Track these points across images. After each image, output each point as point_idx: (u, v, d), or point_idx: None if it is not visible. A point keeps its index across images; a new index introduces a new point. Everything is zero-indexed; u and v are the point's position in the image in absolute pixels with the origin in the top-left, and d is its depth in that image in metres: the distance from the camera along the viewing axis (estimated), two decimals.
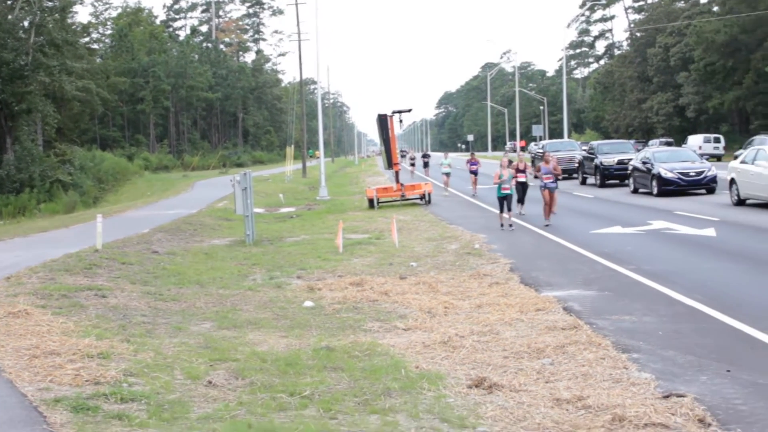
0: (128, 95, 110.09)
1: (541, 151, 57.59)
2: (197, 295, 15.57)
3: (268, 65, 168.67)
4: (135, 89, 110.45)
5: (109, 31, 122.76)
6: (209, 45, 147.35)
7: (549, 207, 26.14)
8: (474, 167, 42.74)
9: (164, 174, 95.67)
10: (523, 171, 29.59)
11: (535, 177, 27.38)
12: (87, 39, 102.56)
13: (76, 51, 73.76)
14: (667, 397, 8.54)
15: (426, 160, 65.46)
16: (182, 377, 9.75)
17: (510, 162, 27.12)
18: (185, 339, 11.84)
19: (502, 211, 25.55)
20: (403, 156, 63.45)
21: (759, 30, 76.09)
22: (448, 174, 46.09)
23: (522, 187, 29.29)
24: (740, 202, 28.68)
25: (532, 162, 62.60)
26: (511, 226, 25.15)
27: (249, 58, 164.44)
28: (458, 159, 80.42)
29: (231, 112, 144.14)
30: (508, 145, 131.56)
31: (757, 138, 47.63)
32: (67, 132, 79.24)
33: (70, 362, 10.03)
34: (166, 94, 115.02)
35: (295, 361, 10.32)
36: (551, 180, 26.21)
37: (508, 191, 25.31)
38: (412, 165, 70.35)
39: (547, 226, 25.09)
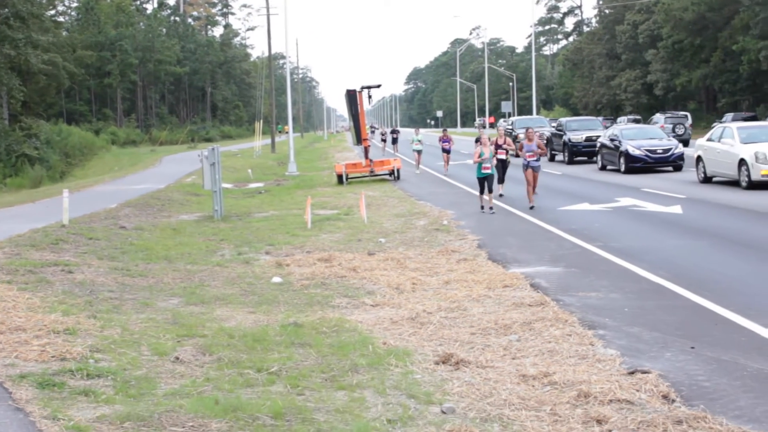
0: (95, 69, 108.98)
1: (510, 127, 57.45)
2: (165, 271, 15.50)
3: (236, 39, 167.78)
4: (102, 63, 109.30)
5: (75, 4, 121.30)
6: (177, 19, 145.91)
7: (533, 188, 24.38)
8: (446, 145, 41.08)
9: (132, 149, 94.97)
10: (503, 147, 26.99)
11: (517, 156, 25.25)
12: (53, 12, 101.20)
13: (42, 24, 72.80)
14: (632, 373, 8.62)
15: (395, 136, 62.71)
16: (149, 353, 9.71)
17: (489, 138, 25.18)
18: (152, 315, 11.79)
19: (482, 192, 23.72)
20: (372, 132, 62.58)
21: (726, 8, 76.47)
22: (419, 151, 43.45)
23: (502, 165, 27.06)
24: (706, 180, 28.90)
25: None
26: (491, 209, 23.34)
27: (217, 32, 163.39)
28: (429, 135, 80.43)
29: (199, 86, 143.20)
30: (477, 121, 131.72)
31: (716, 125, 47.84)
32: (33, 106, 78.37)
33: (36, 338, 9.96)
34: (133, 68, 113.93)
35: (262, 337, 10.31)
36: (534, 158, 24.34)
37: (489, 171, 23.42)
38: (383, 141, 68.56)
39: (531, 208, 23.32)
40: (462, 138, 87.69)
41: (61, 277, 14.37)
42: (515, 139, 49.04)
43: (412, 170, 42.38)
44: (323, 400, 8.05)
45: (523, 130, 29.59)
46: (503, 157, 26.84)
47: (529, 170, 24.25)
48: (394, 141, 61.72)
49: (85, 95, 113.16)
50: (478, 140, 31.44)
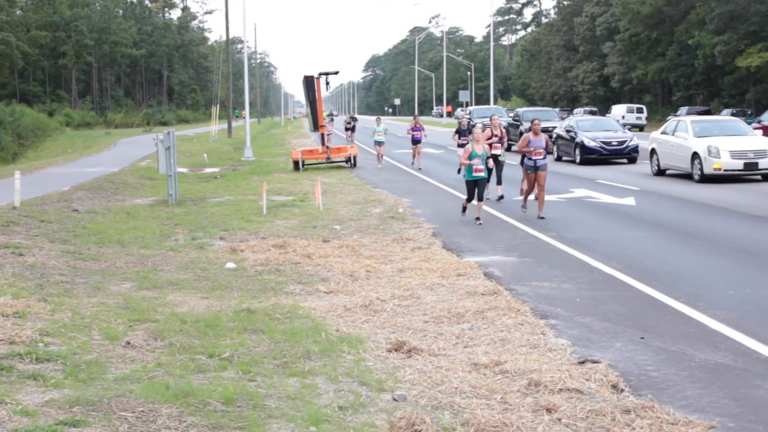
0: (49, 49, 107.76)
1: (468, 117, 57.09)
2: (118, 255, 15.38)
3: (194, 23, 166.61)
4: (56, 43, 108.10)
5: None
6: (134, 0, 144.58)
7: (540, 192, 19.83)
8: (417, 134, 35.94)
9: (86, 131, 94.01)
10: (500, 141, 23.03)
11: (522, 154, 20.33)
12: None
13: None
14: (582, 362, 8.70)
15: (353, 123, 61.67)
16: (100, 338, 9.64)
17: (483, 130, 21.07)
18: (104, 299, 11.69)
19: (470, 199, 19.42)
20: (332, 119, 61.29)
21: (683, 3, 77.14)
22: (381, 143, 38.18)
23: (496, 163, 22.29)
24: (660, 172, 29.20)
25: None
26: (478, 219, 19.08)
27: (175, 15, 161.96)
28: (393, 125, 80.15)
29: (156, 69, 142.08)
30: (435, 110, 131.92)
31: (671, 118, 48.33)
32: None
33: None
34: (88, 49, 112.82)
35: (215, 323, 10.27)
36: (542, 156, 19.87)
37: (481, 174, 19.04)
38: (348, 130, 61.50)
39: (541, 218, 19.16)
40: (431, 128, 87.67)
41: (11, 259, 14.19)
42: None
43: (371, 160, 40.38)
44: (275, 387, 8.04)
45: (484, 121, 28.46)
46: (498, 152, 22.73)
47: (536, 174, 19.81)
48: (352, 129, 60.32)
49: (39, 76, 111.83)
50: (459, 132, 29.34)
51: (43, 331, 9.61)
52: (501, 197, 23.25)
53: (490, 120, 23.59)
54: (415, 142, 35.96)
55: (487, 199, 22.14)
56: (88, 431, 6.73)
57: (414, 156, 36.38)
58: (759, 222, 18.38)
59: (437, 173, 32.23)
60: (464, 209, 19.95)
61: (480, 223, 18.82)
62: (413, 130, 36.13)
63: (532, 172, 19.82)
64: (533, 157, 19.76)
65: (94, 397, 7.43)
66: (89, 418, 6.99)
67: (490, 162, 19.59)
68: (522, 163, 20.61)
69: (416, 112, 64.71)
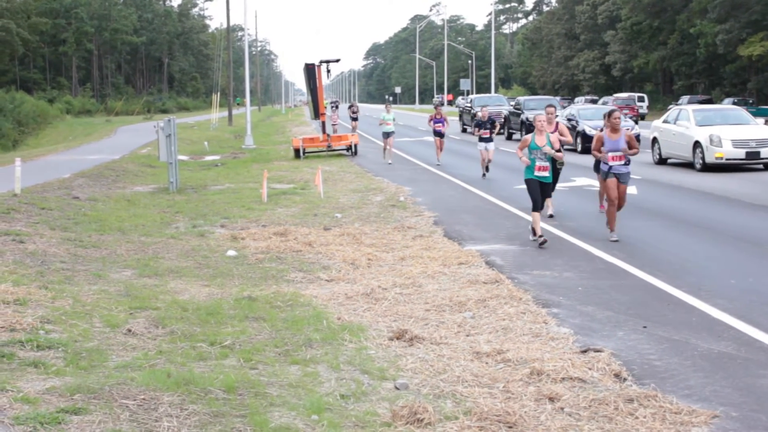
0: (50, 36, 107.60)
1: (469, 105, 56.72)
2: (118, 242, 15.35)
3: (195, 10, 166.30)
4: (57, 30, 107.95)
5: None
6: None
7: (617, 206, 15.14)
8: (439, 126, 31.77)
9: (87, 118, 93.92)
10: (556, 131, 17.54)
11: (597, 158, 15.65)
12: None
13: None
14: (584, 351, 8.67)
15: (357, 114, 56.35)
16: (101, 325, 9.61)
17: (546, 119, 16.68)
18: (105, 286, 11.67)
19: (538, 208, 14.85)
20: (335, 107, 59.67)
21: None
22: (390, 134, 33.33)
23: (552, 166, 15.19)
24: (662, 161, 29.14)
25: (460, 116, 60.53)
26: (541, 237, 14.68)
27: (175, 2, 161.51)
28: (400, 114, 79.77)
29: (156, 57, 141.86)
30: (436, 98, 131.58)
31: (672, 107, 48.20)
32: None
33: None
34: (89, 36, 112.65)
35: (216, 311, 10.24)
36: (622, 162, 15.17)
37: (545, 174, 14.89)
38: (354, 119, 54.39)
39: (614, 241, 14.84)
40: (420, 116, 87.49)
41: (12, 246, 14.16)
42: (473, 117, 48.33)
43: (372, 149, 39.42)
44: (276, 375, 8.01)
45: (479, 109, 26.80)
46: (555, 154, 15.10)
47: (613, 180, 15.15)
48: (355, 119, 55.47)
49: (39, 63, 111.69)
50: (479, 125, 25.91)
51: (44, 319, 9.58)
52: (550, 215, 17.91)
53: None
54: (438, 135, 31.89)
55: (550, 216, 17.85)
56: (89, 419, 6.70)
57: (438, 150, 31.98)
58: (761, 211, 18.35)
59: (432, 160, 32.04)
60: (535, 235, 14.88)
61: (545, 242, 14.67)
62: (435, 121, 31.96)
63: (608, 178, 15.25)
64: (609, 163, 15.13)
65: (95, 384, 7.40)
66: (90, 405, 6.96)
67: (560, 156, 15.23)
68: (597, 168, 17.01)
69: (438, 101, 60.35)
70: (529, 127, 43.06)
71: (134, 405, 7.03)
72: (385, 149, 33.78)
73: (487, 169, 26.16)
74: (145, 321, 9.81)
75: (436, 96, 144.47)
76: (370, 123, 54.34)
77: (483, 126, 26.03)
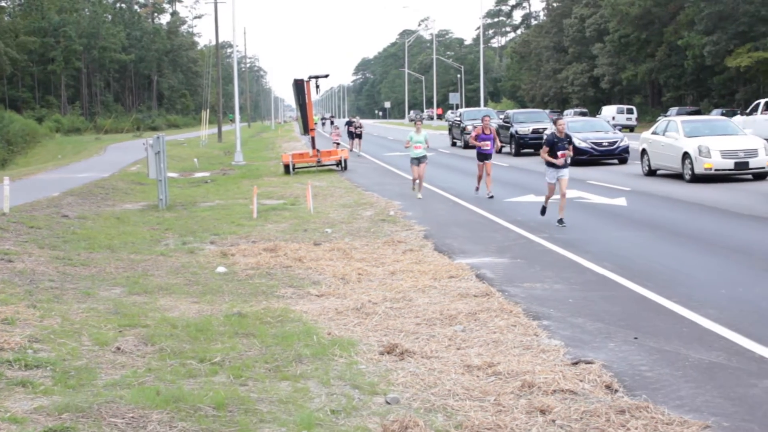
0: (38, 55, 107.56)
1: (458, 119, 56.55)
2: (108, 260, 15.29)
3: (183, 27, 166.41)
4: (45, 49, 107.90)
5: None
6: (123, 5, 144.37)
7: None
8: (487, 146, 24.34)
9: (76, 137, 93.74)
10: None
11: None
12: None
13: None
14: (575, 363, 8.65)
15: (351, 129, 53.66)
16: (90, 343, 9.56)
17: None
18: (94, 305, 11.61)
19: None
20: (324, 123, 58.37)
21: (672, 3, 77.28)
22: (420, 159, 24.92)
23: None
24: (651, 173, 29.21)
25: (449, 129, 59.68)
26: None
27: (164, 19, 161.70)
28: (381, 128, 79.44)
29: (145, 74, 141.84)
30: (413, 113, 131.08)
31: (661, 118, 48.24)
32: None
33: None
34: (77, 54, 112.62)
35: (206, 327, 10.20)
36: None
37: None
38: (354, 137, 52.95)
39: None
40: (403, 129, 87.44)
41: (0, 266, 14.10)
42: (463, 131, 48.13)
43: (361, 163, 39.05)
44: (266, 391, 7.98)
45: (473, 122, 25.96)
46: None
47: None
48: (358, 136, 53.07)
49: (28, 82, 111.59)
50: (553, 144, 18.95)
51: (32, 338, 9.52)
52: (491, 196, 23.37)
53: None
54: (484, 157, 24.38)
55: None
56: None
57: (483, 176, 24.51)
58: (750, 221, 18.38)
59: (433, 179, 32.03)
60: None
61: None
62: (481, 138, 24.54)
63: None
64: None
65: (83, 403, 7.35)
66: (78, 424, 6.91)
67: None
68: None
69: (418, 116, 52.43)
70: (519, 140, 43.20)
71: (123, 423, 6.98)
72: (414, 180, 25.68)
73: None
74: (134, 339, 9.76)
75: (411, 111, 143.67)
76: (378, 144, 51.38)
77: (561, 146, 22.62)
